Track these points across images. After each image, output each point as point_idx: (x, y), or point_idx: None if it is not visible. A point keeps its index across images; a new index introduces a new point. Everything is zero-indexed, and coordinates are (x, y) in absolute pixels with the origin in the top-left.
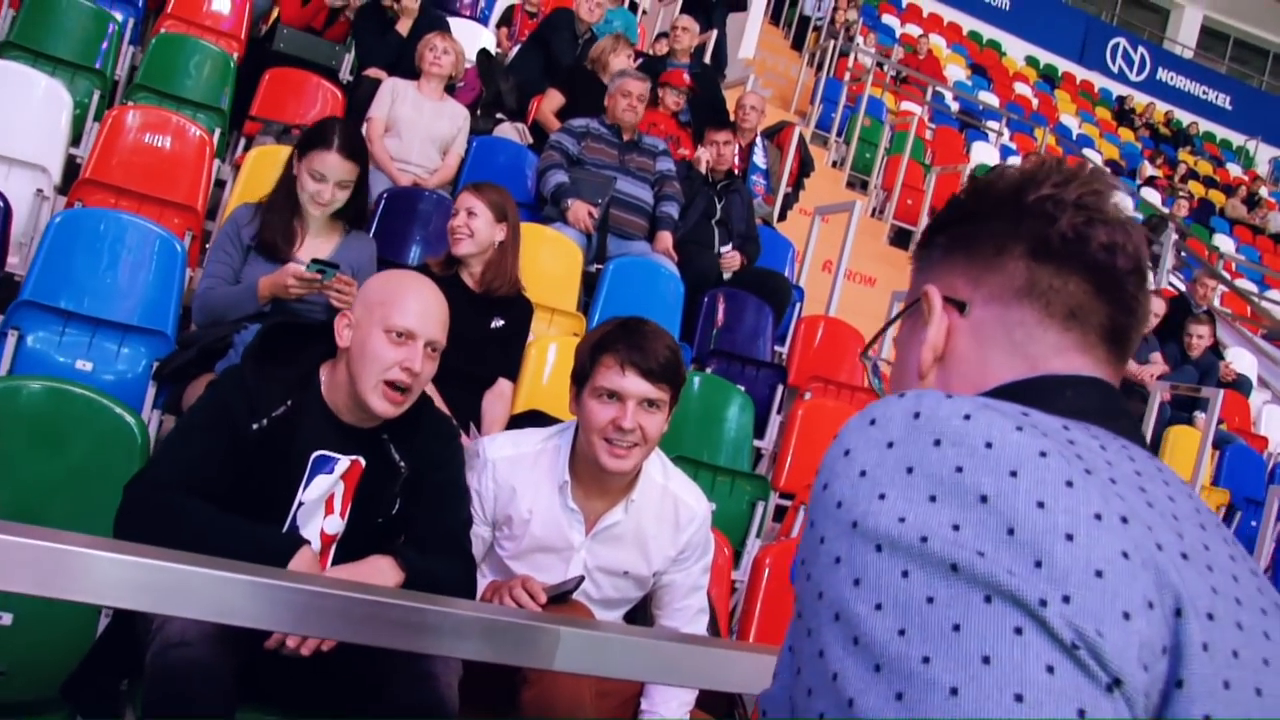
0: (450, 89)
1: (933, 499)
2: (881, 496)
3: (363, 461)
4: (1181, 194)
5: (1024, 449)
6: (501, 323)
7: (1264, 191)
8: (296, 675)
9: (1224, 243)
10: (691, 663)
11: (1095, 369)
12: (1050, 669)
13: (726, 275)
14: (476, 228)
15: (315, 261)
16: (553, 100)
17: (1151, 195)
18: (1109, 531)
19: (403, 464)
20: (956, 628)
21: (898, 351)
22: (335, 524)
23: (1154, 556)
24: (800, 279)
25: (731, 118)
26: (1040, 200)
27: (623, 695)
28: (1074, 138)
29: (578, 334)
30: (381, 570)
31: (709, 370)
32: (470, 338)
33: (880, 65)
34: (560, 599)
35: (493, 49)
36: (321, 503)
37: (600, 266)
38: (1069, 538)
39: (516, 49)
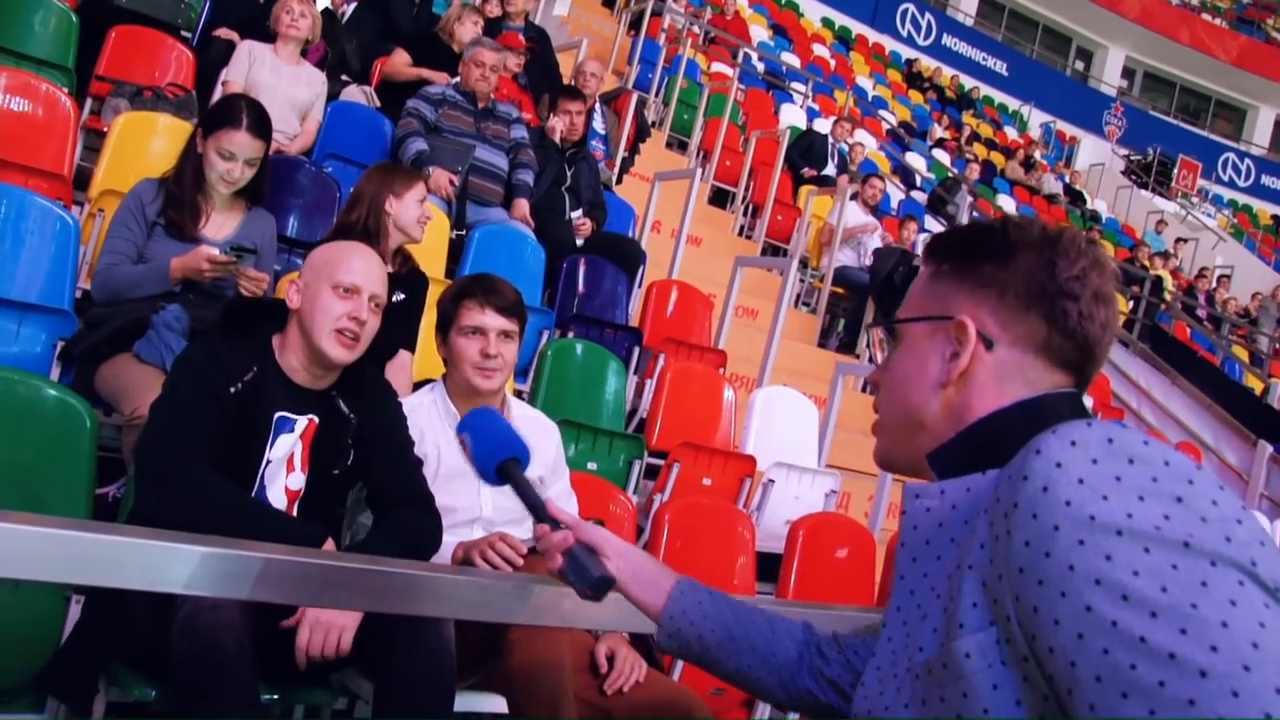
0: (303, 52)
1: (1141, 499)
2: (1105, 497)
3: (317, 419)
4: (969, 156)
5: (1188, 465)
6: (402, 296)
7: (1038, 155)
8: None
9: (1006, 203)
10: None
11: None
12: (1266, 605)
13: (579, 241)
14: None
15: (234, 247)
16: (400, 57)
17: (943, 156)
18: (1249, 518)
19: (352, 416)
20: (1204, 584)
21: (910, 355)
22: (298, 480)
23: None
24: (642, 242)
25: (570, 82)
26: (1071, 280)
27: (584, 644)
28: (870, 99)
29: None
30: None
31: (571, 335)
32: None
33: (692, 26)
34: (535, 552)
35: (329, 6)
36: (284, 462)
37: (461, 233)
38: (1238, 522)
39: (351, 8)
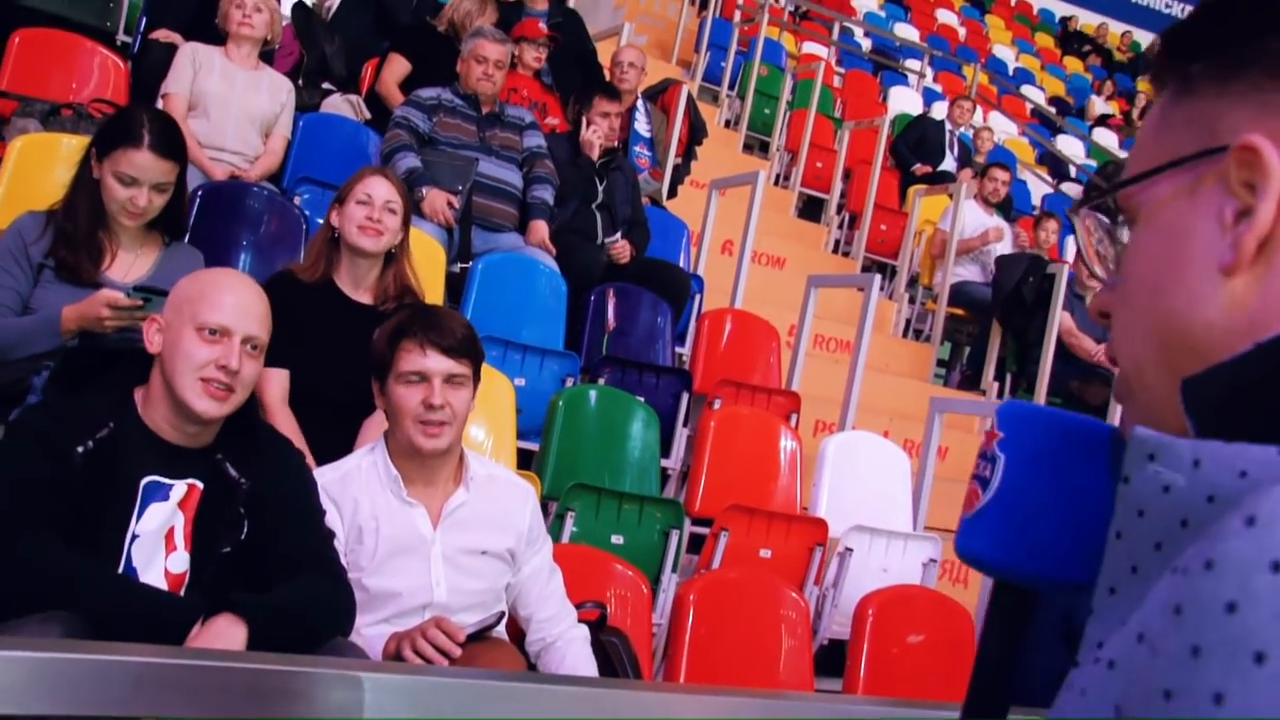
0: (267, 56)
1: None
2: None
3: (200, 485)
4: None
5: None
6: None
7: None
8: None
9: None
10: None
11: None
12: None
13: (615, 262)
14: (390, 225)
15: (139, 288)
16: (395, 68)
17: (1105, 138)
18: None
19: (243, 480)
20: None
21: (1156, 237)
22: (180, 561)
23: None
24: (698, 266)
25: (607, 76)
26: None
27: None
28: (1010, 73)
29: None
30: (223, 631)
31: (602, 381)
32: (352, 355)
33: (779, 1)
34: (479, 636)
35: (309, 2)
36: (161, 538)
37: (466, 266)
38: None
39: (338, 1)
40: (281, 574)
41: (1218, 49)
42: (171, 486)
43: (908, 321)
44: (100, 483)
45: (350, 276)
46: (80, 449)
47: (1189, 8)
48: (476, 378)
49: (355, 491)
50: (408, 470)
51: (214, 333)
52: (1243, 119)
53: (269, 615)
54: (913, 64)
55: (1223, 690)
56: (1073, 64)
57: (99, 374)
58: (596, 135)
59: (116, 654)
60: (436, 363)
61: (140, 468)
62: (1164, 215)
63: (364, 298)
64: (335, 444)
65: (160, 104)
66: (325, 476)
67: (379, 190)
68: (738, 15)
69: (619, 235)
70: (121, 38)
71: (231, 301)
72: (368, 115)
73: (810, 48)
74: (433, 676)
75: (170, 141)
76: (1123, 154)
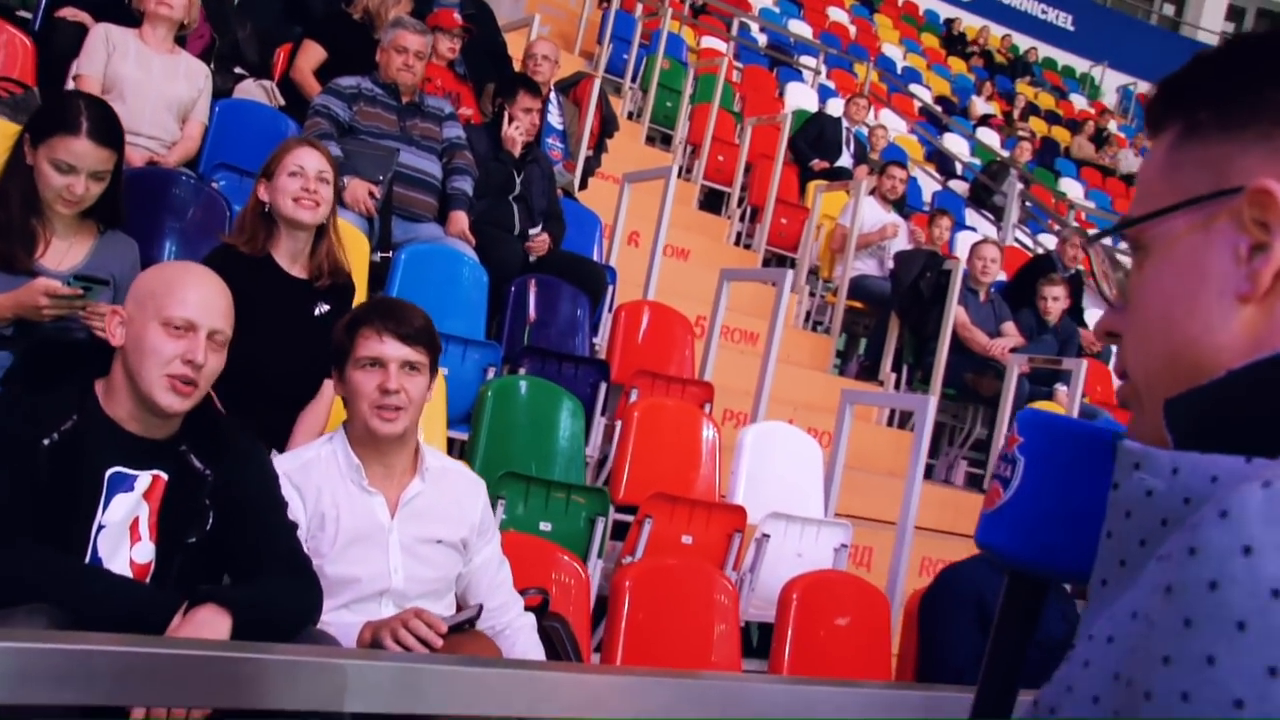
0: (180, 39)
1: None
2: None
3: (165, 476)
4: (1022, 134)
5: None
6: (327, 308)
7: (1113, 126)
8: None
9: (1071, 188)
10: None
11: None
12: None
13: (532, 259)
14: (325, 196)
15: (79, 277)
16: (311, 55)
17: (988, 137)
18: None
19: (208, 472)
20: None
21: (1172, 267)
22: (145, 551)
23: None
24: (611, 258)
25: (518, 68)
26: None
27: None
28: (899, 72)
29: None
30: (207, 621)
31: (523, 371)
32: (292, 332)
33: None
34: (459, 630)
35: None
36: (125, 528)
37: (387, 255)
38: None
39: None
40: (248, 566)
41: (1223, 98)
42: (136, 477)
43: (808, 313)
44: (65, 475)
45: (288, 251)
46: (45, 442)
47: (1065, 15)
48: (434, 368)
49: (317, 480)
50: (367, 458)
51: (179, 327)
52: (1253, 163)
53: (250, 607)
54: (807, 60)
55: (1213, 654)
56: (957, 65)
57: (59, 368)
58: (519, 131)
59: (105, 645)
60: (394, 349)
61: (104, 460)
62: (1178, 248)
63: (299, 272)
64: (276, 423)
65: (71, 85)
66: (287, 464)
67: (310, 161)
68: (639, 8)
69: (540, 228)
70: (22, 14)
71: (196, 297)
72: (281, 101)
73: (710, 42)
74: (418, 664)
75: (109, 130)
76: (1004, 153)
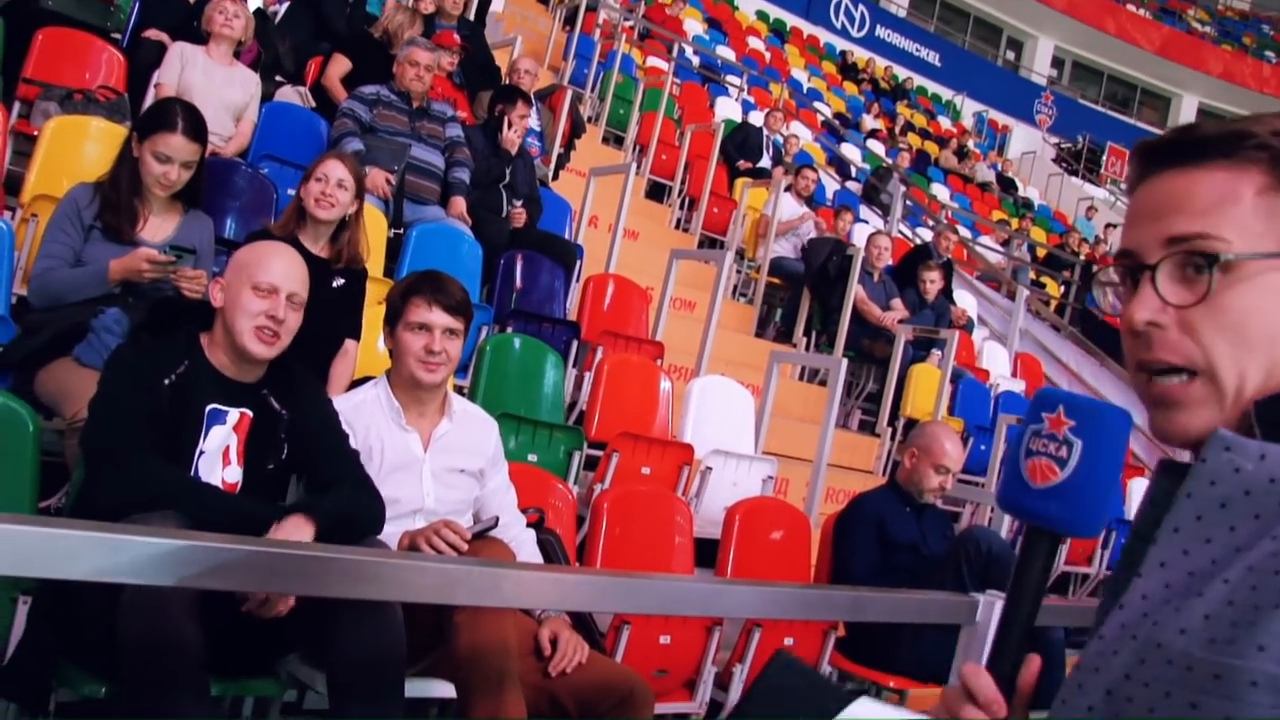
0: (236, 53)
1: None
2: None
3: (250, 413)
4: (902, 146)
5: None
6: (342, 281)
7: (971, 143)
8: (252, 642)
9: (940, 191)
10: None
11: None
12: None
13: (511, 228)
14: (341, 199)
15: (173, 247)
16: (338, 66)
17: (877, 147)
18: None
19: (284, 411)
20: None
21: (1257, 307)
22: (234, 473)
23: None
24: (579, 237)
25: (505, 81)
26: None
27: (528, 628)
28: (805, 91)
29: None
30: (298, 527)
31: (510, 330)
32: (312, 300)
33: (626, 21)
34: (480, 537)
35: (260, 6)
36: (219, 454)
37: (399, 232)
38: None
39: (284, 7)
40: (325, 485)
41: None
42: (228, 413)
43: (735, 287)
44: (178, 409)
45: (311, 236)
46: (166, 382)
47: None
48: (467, 331)
49: (365, 418)
50: (406, 402)
51: (265, 290)
52: None
53: (329, 516)
54: (732, 79)
55: None
56: (850, 88)
57: (177, 322)
58: (517, 134)
59: (227, 543)
60: (439, 317)
61: (206, 397)
62: (1271, 281)
63: (320, 253)
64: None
65: (153, 92)
66: (342, 404)
67: (332, 171)
68: (598, 32)
69: (519, 204)
70: (115, 35)
71: (280, 266)
72: (313, 104)
73: (654, 61)
74: (453, 564)
75: (198, 128)
76: (889, 160)
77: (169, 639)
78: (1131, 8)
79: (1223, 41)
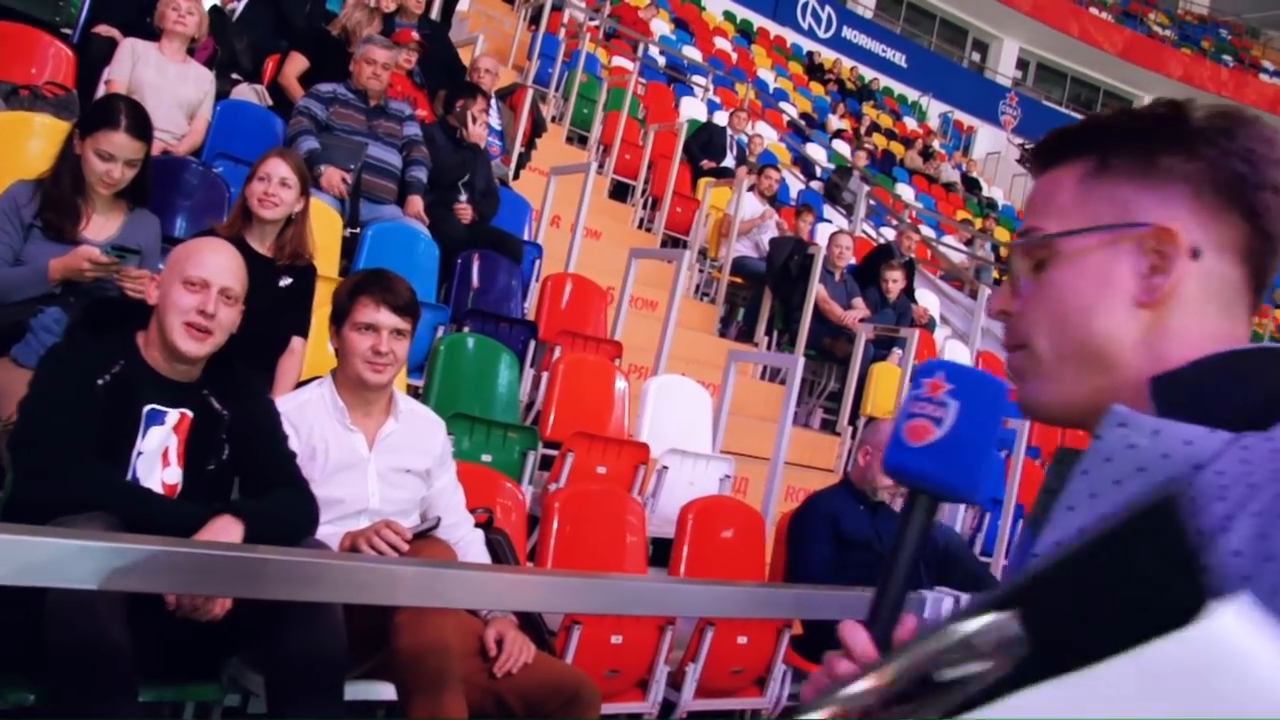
0: (190, 50)
1: None
2: None
3: (190, 414)
4: (868, 146)
5: None
6: (289, 280)
7: (936, 144)
8: (192, 645)
9: (905, 191)
10: (523, 590)
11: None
12: None
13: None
14: (285, 198)
15: (115, 247)
16: (295, 64)
17: (842, 147)
18: None
19: (224, 412)
20: None
21: (1082, 273)
22: (174, 474)
23: None
24: (539, 236)
25: (468, 79)
26: (1272, 166)
27: (473, 629)
28: (771, 91)
29: None
30: (226, 528)
31: (467, 329)
32: (259, 299)
33: (592, 20)
34: (421, 537)
35: (218, 3)
36: (158, 455)
37: (355, 231)
38: None
39: (243, 4)
40: (259, 488)
41: (1131, 152)
42: (167, 414)
43: (697, 286)
44: (115, 409)
45: (258, 235)
46: (100, 382)
47: (900, 54)
48: (414, 331)
49: (310, 418)
50: (351, 402)
51: (195, 284)
52: (1151, 204)
53: (258, 518)
54: (698, 79)
55: None
56: (816, 88)
57: (113, 321)
58: (482, 128)
59: (155, 544)
60: (386, 318)
61: (144, 397)
62: (1089, 259)
63: (268, 251)
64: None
65: (104, 89)
66: (285, 405)
67: (275, 169)
68: (562, 31)
69: (463, 199)
70: (65, 30)
71: (211, 261)
72: (270, 102)
73: (619, 61)
74: (391, 565)
75: (142, 125)
76: (861, 160)
77: (97, 643)
78: (1094, 11)
79: (1182, 45)
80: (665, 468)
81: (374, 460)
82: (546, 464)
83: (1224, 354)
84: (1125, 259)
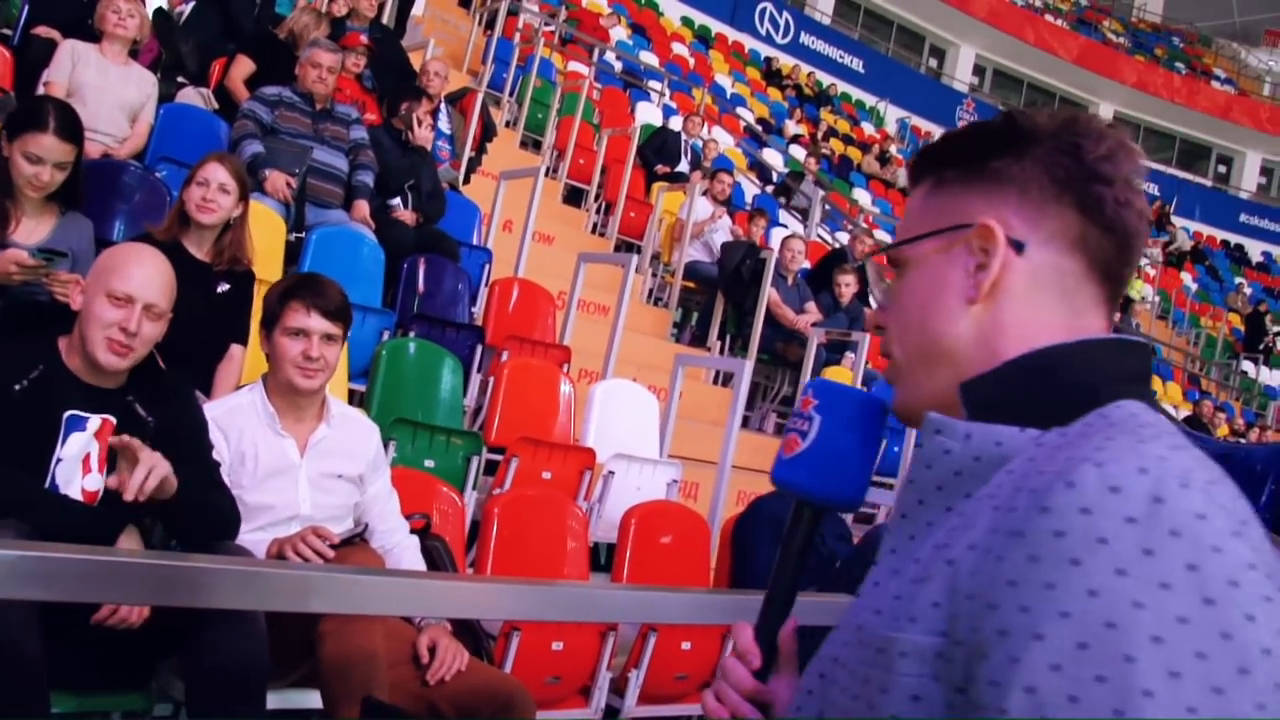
0: (133, 53)
1: (1165, 586)
2: (1120, 572)
3: (113, 420)
4: (825, 151)
5: (1241, 559)
6: (227, 287)
7: (893, 149)
8: (117, 653)
9: (862, 196)
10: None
11: (1109, 325)
12: None
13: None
14: (224, 204)
15: (42, 250)
16: (242, 67)
17: (798, 152)
18: None
19: (149, 418)
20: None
21: (923, 277)
22: (95, 481)
23: None
24: (488, 241)
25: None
26: (1100, 161)
27: (406, 636)
28: (728, 96)
29: None
30: (133, 536)
31: (413, 334)
32: (196, 305)
33: (548, 26)
34: (347, 543)
35: (164, 6)
36: (79, 462)
37: (301, 235)
38: (1266, 652)
39: (190, 7)
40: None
41: (961, 164)
42: (88, 419)
43: (650, 290)
44: (32, 414)
45: (195, 240)
46: (17, 386)
47: (858, 60)
48: (346, 336)
49: (240, 423)
50: (282, 408)
51: (120, 299)
52: (979, 207)
53: (174, 524)
54: (654, 84)
55: (1051, 581)
56: (774, 94)
57: (32, 324)
58: (429, 130)
59: (64, 553)
60: (317, 322)
61: (63, 403)
62: (928, 265)
63: (204, 257)
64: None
65: (42, 90)
66: (215, 411)
67: (214, 175)
68: (517, 36)
69: (395, 203)
70: (4, 31)
71: (138, 274)
72: (216, 106)
73: (575, 66)
74: (316, 572)
75: (71, 127)
76: (811, 164)
77: (7, 653)
78: (1050, 18)
79: (1136, 52)
80: (611, 473)
81: (305, 466)
82: (492, 470)
83: (1041, 350)
84: (957, 260)
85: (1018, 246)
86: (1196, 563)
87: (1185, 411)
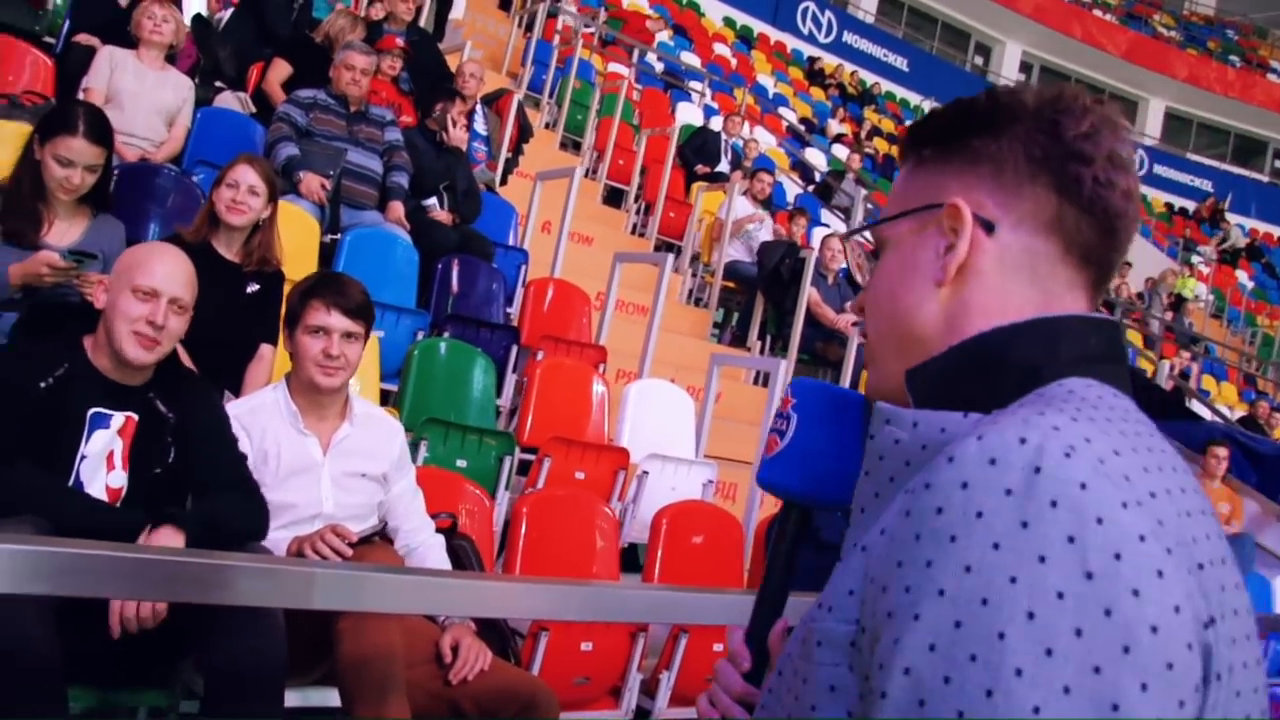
0: (170, 58)
1: (1042, 560)
2: (995, 546)
3: (135, 417)
4: (868, 150)
5: (1129, 531)
6: (257, 287)
7: None
8: (140, 650)
9: None
10: (468, 594)
11: (1091, 308)
12: None
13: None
14: (254, 205)
15: (73, 252)
16: (279, 71)
17: (841, 151)
18: (1181, 624)
19: (170, 415)
20: (1065, 689)
21: (896, 258)
22: (119, 478)
23: (1200, 623)
24: (525, 242)
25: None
26: (1079, 139)
27: (429, 636)
28: (770, 96)
29: None
30: (167, 537)
31: (447, 335)
32: (226, 305)
33: (587, 28)
34: (366, 541)
35: (203, 13)
36: (103, 459)
37: (335, 237)
38: (1154, 630)
39: (228, 13)
40: (205, 491)
41: (940, 142)
42: (112, 417)
43: (690, 291)
44: (57, 412)
45: (224, 241)
46: (43, 384)
47: (902, 58)
48: (368, 334)
49: (263, 422)
50: (304, 406)
51: (145, 294)
52: (953, 187)
53: (200, 525)
54: (695, 85)
55: (931, 559)
56: (817, 93)
57: (58, 324)
58: (464, 131)
59: (84, 549)
60: (337, 321)
61: (88, 401)
62: (903, 246)
63: (234, 257)
64: (216, 379)
65: (81, 96)
66: (237, 409)
67: (244, 176)
68: (557, 38)
69: (430, 204)
70: (47, 39)
71: (161, 270)
72: (253, 109)
73: (614, 67)
74: (334, 570)
75: (101, 130)
76: (855, 162)
77: (21, 649)
78: (1098, 13)
79: (1188, 46)
80: (645, 473)
81: (328, 465)
82: (525, 470)
83: (987, 332)
84: (929, 241)
85: (988, 227)
86: (1076, 534)
87: (1240, 412)
